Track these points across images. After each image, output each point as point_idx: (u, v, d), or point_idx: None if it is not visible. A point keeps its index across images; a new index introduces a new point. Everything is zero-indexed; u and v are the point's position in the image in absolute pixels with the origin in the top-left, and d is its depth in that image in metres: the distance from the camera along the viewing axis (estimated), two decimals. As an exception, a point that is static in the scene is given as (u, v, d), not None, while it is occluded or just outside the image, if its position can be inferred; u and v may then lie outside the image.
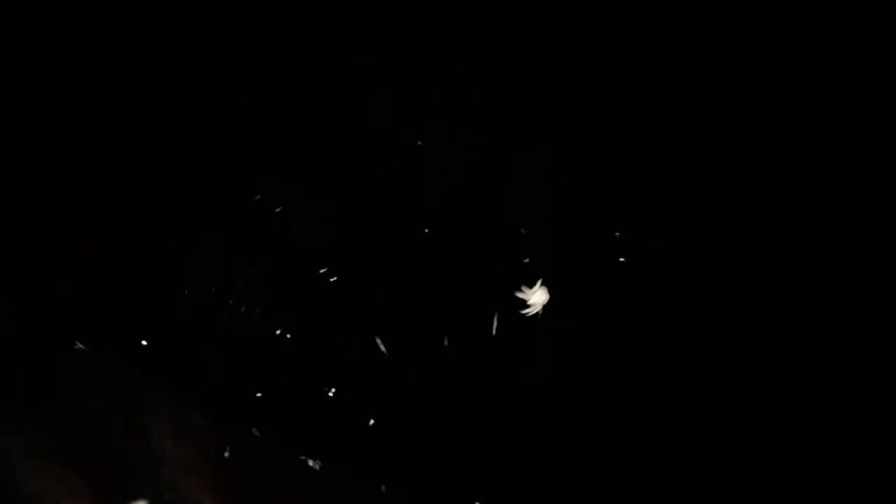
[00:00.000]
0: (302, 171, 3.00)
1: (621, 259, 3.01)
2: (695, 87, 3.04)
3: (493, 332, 2.94)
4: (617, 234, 3.02)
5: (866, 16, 2.92)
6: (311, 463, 2.69)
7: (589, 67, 3.05)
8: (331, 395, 2.82)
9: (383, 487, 2.76)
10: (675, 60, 3.02)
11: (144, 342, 2.57)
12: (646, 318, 2.98)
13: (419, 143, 3.04)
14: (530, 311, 2.91)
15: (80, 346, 2.44)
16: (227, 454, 2.45)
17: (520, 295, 2.92)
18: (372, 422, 2.84)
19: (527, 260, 2.98)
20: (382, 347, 2.90)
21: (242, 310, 2.80)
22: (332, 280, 2.93)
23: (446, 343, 2.94)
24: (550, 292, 2.92)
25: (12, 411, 2.06)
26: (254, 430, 2.63)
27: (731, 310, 2.98)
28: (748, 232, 3.00)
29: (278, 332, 2.83)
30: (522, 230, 3.03)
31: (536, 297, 2.90)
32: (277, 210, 2.96)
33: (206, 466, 2.36)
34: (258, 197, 2.95)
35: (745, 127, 3.00)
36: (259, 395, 2.71)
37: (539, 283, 2.92)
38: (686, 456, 2.94)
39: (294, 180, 2.99)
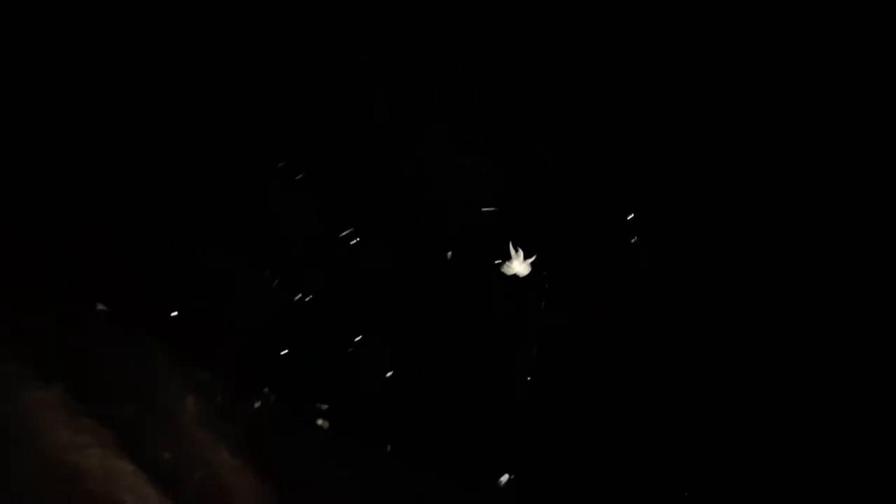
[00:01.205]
0: (299, 170, 3.03)
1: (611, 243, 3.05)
2: (689, 83, 3.05)
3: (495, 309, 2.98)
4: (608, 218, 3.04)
5: (866, 16, 2.94)
6: (319, 422, 2.74)
7: (586, 62, 3.08)
8: (342, 357, 2.86)
9: (389, 447, 2.81)
10: (670, 60, 3.05)
11: (170, 310, 2.61)
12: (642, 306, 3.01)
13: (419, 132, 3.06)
14: (507, 273, 2.95)
15: (102, 307, 2.50)
16: (241, 411, 2.50)
17: (504, 268, 2.95)
18: (381, 385, 2.88)
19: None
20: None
21: (266, 274, 2.85)
22: (352, 243, 2.97)
23: (452, 314, 2.98)
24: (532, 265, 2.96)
25: (44, 368, 2.13)
26: (266, 389, 2.68)
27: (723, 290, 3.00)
28: (744, 217, 3.01)
29: (298, 296, 2.88)
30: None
31: (518, 268, 2.94)
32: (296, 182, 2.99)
33: (222, 422, 2.42)
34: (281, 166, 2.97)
35: (740, 124, 3.02)
36: (273, 356, 2.75)
37: (521, 255, 2.96)
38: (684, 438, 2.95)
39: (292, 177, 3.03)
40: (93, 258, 2.71)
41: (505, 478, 2.87)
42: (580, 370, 2.97)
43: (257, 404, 2.63)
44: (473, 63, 3.07)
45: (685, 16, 3.05)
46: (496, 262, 2.96)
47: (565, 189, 3.07)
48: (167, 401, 2.38)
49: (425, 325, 2.95)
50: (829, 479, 2.85)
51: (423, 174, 3.06)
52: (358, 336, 2.89)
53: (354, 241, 2.97)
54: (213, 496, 2.32)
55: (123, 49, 2.94)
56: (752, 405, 2.93)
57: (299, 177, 3.01)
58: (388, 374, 2.87)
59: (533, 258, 2.94)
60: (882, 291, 2.91)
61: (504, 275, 2.94)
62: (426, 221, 3.04)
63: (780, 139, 3.01)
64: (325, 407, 2.77)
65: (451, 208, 3.04)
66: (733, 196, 3.02)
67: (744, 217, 3.01)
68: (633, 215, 3.02)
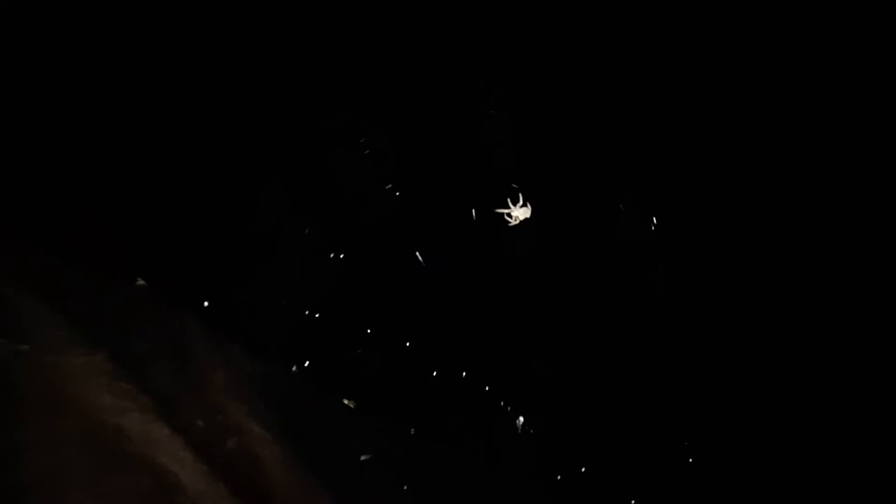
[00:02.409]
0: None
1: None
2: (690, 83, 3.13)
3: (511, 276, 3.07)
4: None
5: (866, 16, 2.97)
6: (346, 401, 2.87)
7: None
8: (368, 338, 2.97)
9: (412, 430, 2.92)
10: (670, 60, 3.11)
11: (205, 289, 2.74)
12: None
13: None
14: (513, 223, 3.04)
15: (141, 283, 2.65)
16: (268, 386, 2.64)
17: (504, 211, 3.04)
18: (405, 368, 2.99)
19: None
20: (421, 259, 3.04)
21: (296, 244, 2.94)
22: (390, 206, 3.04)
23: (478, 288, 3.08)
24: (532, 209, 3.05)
25: (89, 337, 2.27)
26: (294, 368, 2.81)
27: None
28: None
29: (332, 255, 2.99)
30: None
31: (519, 212, 3.02)
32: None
33: (251, 394, 2.55)
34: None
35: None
36: (301, 334, 2.87)
37: (521, 200, 3.04)
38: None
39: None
40: (133, 237, 2.83)
41: (521, 420, 2.97)
42: (593, 357, 3.06)
43: (286, 380, 2.78)
44: (476, 64, 3.11)
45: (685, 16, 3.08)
46: (498, 210, 3.04)
47: (566, 188, 3.16)
48: (200, 372, 2.51)
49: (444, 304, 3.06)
50: (830, 475, 2.96)
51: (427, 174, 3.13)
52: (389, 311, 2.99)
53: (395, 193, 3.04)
54: (243, 463, 2.44)
55: (125, 50, 2.93)
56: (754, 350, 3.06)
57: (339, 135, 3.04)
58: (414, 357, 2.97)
59: (528, 206, 3.02)
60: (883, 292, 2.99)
61: (510, 224, 3.03)
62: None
63: (781, 139, 3.07)
64: (360, 351, 2.86)
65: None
66: (734, 194, 3.11)
67: (746, 214, 3.10)
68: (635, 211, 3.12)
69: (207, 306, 2.73)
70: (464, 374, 3.01)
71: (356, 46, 3.07)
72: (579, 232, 3.13)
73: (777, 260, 3.06)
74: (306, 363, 2.87)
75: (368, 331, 2.98)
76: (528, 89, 3.14)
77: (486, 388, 3.03)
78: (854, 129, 3.03)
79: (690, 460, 3.05)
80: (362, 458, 2.81)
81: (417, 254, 3.05)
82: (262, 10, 3.02)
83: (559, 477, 3.03)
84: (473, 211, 3.07)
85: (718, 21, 3.06)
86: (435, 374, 3.00)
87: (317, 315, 2.92)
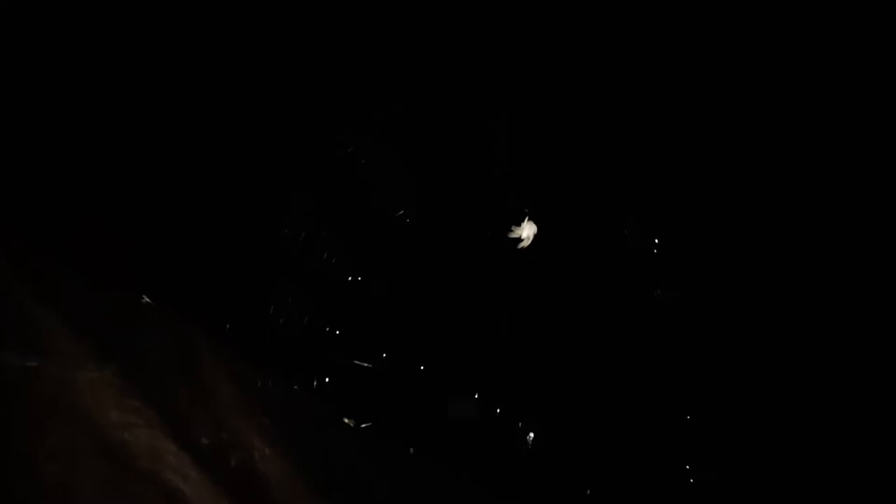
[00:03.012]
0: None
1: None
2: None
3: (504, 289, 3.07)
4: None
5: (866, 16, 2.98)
6: (346, 420, 2.88)
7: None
8: (376, 358, 2.98)
9: (411, 450, 2.93)
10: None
11: (212, 306, 2.76)
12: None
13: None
14: (524, 244, 3.05)
15: (147, 300, 2.67)
16: (273, 403, 2.66)
17: (511, 234, 3.05)
18: (406, 388, 2.99)
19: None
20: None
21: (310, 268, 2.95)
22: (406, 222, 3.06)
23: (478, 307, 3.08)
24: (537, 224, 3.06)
25: (97, 352, 2.29)
26: (296, 387, 2.83)
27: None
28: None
29: (350, 277, 3.01)
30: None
31: (526, 231, 3.03)
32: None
33: (255, 410, 2.57)
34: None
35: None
36: (307, 352, 2.89)
37: (526, 218, 3.05)
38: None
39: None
40: (143, 252, 2.86)
41: (531, 439, 2.97)
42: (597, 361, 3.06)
43: (291, 397, 2.79)
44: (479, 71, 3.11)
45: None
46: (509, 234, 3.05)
47: (571, 207, 3.16)
48: (206, 387, 2.53)
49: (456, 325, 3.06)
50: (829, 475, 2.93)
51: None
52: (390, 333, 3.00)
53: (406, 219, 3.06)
54: (247, 480, 2.46)
55: (127, 50, 2.94)
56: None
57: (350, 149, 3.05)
58: (414, 377, 2.98)
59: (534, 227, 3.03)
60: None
61: (516, 244, 3.04)
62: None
63: (780, 139, 3.06)
64: (367, 370, 2.87)
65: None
66: (733, 193, 3.10)
67: (754, 234, 3.09)
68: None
69: (215, 322, 2.75)
70: (476, 395, 3.03)
71: (376, 74, 3.10)
72: (587, 250, 3.13)
73: (790, 279, 3.06)
74: (312, 381, 2.89)
75: (377, 350, 2.99)
76: (535, 108, 3.17)
77: (498, 411, 3.04)
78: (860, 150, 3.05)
79: (692, 482, 3.05)
80: (367, 476, 2.82)
81: (434, 271, 3.06)
82: (283, 30, 3.05)
83: (566, 499, 3.03)
84: (489, 232, 3.09)
85: (726, 42, 3.08)
86: (446, 395, 3.00)
87: (323, 334, 2.94)
